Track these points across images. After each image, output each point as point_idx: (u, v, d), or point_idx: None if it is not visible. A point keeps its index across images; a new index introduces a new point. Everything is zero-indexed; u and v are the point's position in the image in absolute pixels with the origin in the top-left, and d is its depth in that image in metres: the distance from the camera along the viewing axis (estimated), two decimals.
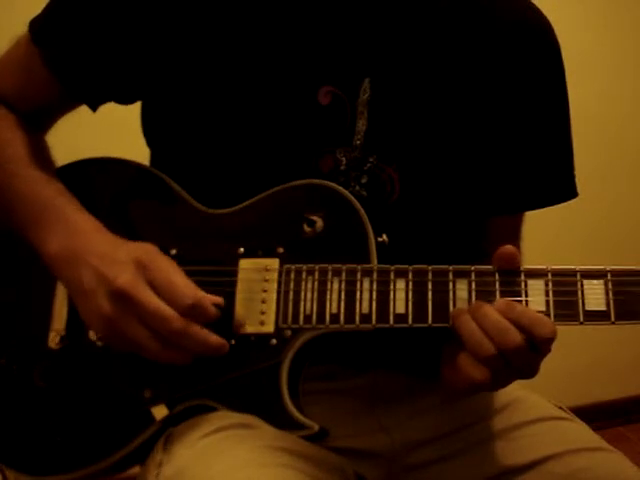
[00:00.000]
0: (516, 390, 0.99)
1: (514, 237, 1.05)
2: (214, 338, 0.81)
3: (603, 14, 2.49)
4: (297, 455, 0.78)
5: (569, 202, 0.99)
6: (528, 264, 0.80)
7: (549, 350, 0.76)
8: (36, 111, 0.99)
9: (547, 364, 0.79)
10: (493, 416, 0.96)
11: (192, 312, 0.80)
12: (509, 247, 0.79)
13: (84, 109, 0.98)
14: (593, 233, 2.52)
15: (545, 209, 0.99)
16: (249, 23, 0.89)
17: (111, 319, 0.81)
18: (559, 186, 0.99)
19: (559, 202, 0.99)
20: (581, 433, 0.94)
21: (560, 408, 0.98)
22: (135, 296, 0.79)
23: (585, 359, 2.48)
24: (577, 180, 1.00)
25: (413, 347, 0.93)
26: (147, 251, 0.83)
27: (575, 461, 0.89)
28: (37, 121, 0.99)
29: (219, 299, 0.83)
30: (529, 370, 0.78)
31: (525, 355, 0.75)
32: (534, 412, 0.96)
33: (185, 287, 0.81)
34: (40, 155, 0.96)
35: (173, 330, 0.79)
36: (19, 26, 0.95)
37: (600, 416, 2.38)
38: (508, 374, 0.78)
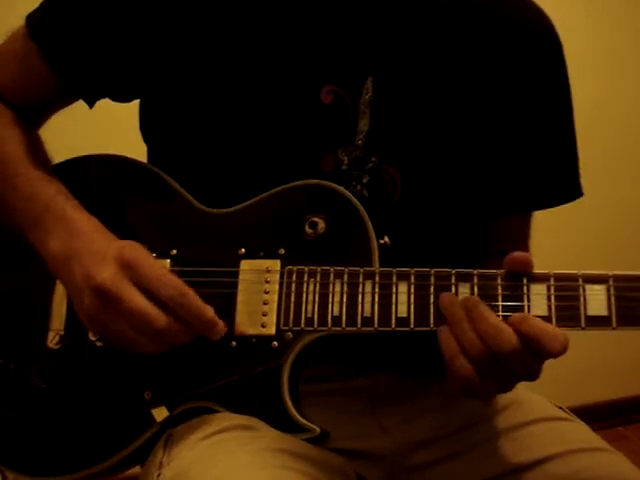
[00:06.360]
0: (516, 390, 0.99)
1: (521, 237, 1.04)
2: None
3: (604, 13, 2.47)
4: (298, 457, 0.78)
5: (572, 206, 0.98)
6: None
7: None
8: (31, 105, 0.98)
9: (547, 364, 0.78)
10: (493, 416, 0.95)
11: (176, 302, 0.78)
12: (520, 254, 0.77)
13: (79, 105, 0.97)
14: (596, 237, 2.51)
15: (549, 214, 0.98)
16: (251, 20, 0.89)
17: (94, 317, 0.80)
18: (564, 186, 0.99)
19: (564, 202, 0.98)
20: (581, 433, 0.94)
21: (560, 408, 0.98)
22: (115, 294, 0.78)
23: (585, 359, 2.47)
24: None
25: (414, 348, 0.92)
26: (133, 248, 0.82)
27: (575, 461, 0.89)
28: (31, 116, 0.99)
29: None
30: (528, 374, 0.76)
31: (521, 358, 0.74)
32: (534, 412, 0.95)
33: (170, 278, 0.79)
34: (38, 153, 0.95)
35: (156, 330, 0.78)
36: (18, 22, 0.94)
37: (600, 416, 2.38)
38: (504, 376, 0.76)
